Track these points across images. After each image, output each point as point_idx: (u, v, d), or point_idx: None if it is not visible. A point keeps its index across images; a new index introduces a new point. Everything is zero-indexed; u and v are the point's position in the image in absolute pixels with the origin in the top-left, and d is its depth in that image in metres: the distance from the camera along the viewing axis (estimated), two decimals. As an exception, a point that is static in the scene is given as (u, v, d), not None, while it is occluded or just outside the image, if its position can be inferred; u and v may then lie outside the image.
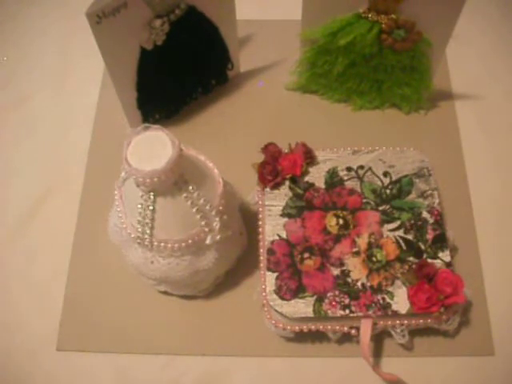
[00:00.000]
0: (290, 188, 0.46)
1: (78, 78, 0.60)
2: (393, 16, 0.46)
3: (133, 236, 0.39)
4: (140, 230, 0.39)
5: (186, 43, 0.49)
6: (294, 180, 0.46)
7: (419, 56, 0.50)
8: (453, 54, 0.59)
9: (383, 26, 0.47)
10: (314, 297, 0.42)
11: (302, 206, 0.45)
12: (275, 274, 0.42)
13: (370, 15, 0.47)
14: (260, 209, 0.46)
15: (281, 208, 0.45)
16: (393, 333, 0.42)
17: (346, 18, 0.47)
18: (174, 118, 0.56)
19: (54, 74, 0.61)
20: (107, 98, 0.57)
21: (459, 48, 0.58)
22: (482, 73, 0.59)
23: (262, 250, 0.44)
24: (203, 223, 0.39)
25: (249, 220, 0.48)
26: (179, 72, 0.52)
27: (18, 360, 0.45)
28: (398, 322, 0.41)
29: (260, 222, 0.46)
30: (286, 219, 0.45)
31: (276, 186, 0.46)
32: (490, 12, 0.63)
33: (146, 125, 0.36)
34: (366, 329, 0.41)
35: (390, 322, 0.42)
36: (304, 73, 0.55)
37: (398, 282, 0.42)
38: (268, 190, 0.46)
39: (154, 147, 0.35)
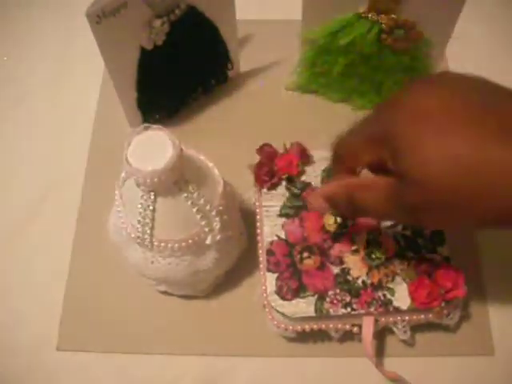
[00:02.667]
0: (287, 188, 0.46)
1: (78, 78, 0.60)
2: (393, 16, 0.46)
3: (133, 236, 0.39)
4: (140, 230, 0.39)
5: (186, 43, 0.49)
6: (290, 180, 0.46)
7: (419, 56, 0.50)
8: (453, 54, 0.59)
9: (383, 26, 0.47)
10: (315, 296, 0.42)
11: (300, 205, 0.45)
12: (275, 275, 0.42)
13: (370, 15, 0.47)
14: (257, 210, 0.46)
15: (278, 208, 0.45)
16: (395, 329, 0.43)
17: (346, 18, 0.47)
18: (174, 118, 0.56)
19: (54, 74, 0.61)
20: (107, 98, 0.57)
21: (459, 48, 0.58)
22: (482, 73, 0.58)
23: (261, 251, 0.44)
24: (203, 223, 0.39)
25: (249, 220, 0.48)
26: (179, 72, 0.52)
27: (18, 360, 0.45)
28: (399, 318, 0.42)
29: (258, 224, 0.46)
30: (284, 219, 0.45)
31: (273, 187, 0.46)
32: (490, 12, 0.63)
33: (146, 125, 0.36)
34: (367, 326, 0.41)
35: (391, 319, 0.42)
36: (304, 73, 0.55)
37: (398, 279, 0.42)
38: (265, 190, 0.46)
39: (154, 147, 0.35)
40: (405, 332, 0.43)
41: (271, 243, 0.44)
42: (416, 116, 0.30)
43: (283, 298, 0.42)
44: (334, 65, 0.52)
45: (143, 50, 0.47)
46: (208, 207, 0.39)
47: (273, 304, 0.42)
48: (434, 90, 0.30)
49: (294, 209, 0.45)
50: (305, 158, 0.47)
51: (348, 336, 0.43)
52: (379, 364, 0.43)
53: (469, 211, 0.29)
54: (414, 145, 0.29)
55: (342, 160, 0.36)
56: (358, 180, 0.36)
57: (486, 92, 0.31)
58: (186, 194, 0.37)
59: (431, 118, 0.29)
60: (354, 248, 0.43)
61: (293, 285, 0.42)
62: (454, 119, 0.28)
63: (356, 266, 0.43)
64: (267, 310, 0.43)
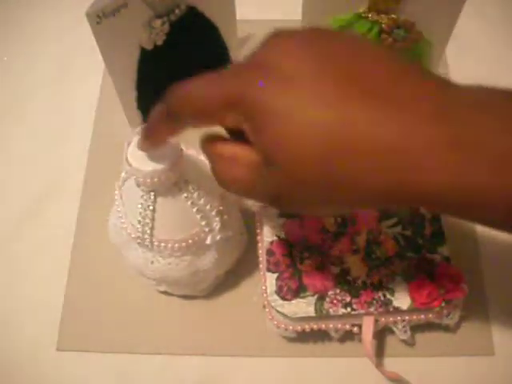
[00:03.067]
0: None
1: (77, 78, 0.60)
2: (393, 16, 0.46)
3: (133, 236, 0.39)
4: (140, 229, 0.39)
5: (186, 43, 0.49)
6: None
7: (419, 56, 0.50)
8: (453, 54, 0.59)
9: (383, 25, 0.47)
10: (315, 296, 0.42)
11: None
12: (275, 275, 0.42)
13: (369, 15, 0.47)
14: (257, 210, 0.46)
15: None
16: (395, 329, 0.43)
17: (346, 18, 0.47)
18: (173, 118, 0.56)
19: (54, 73, 0.61)
20: (107, 98, 0.57)
21: (459, 48, 0.58)
22: (482, 73, 0.59)
23: (260, 251, 0.44)
24: (203, 223, 0.39)
25: (249, 220, 0.48)
26: (179, 72, 0.52)
27: (18, 360, 0.45)
28: (399, 318, 0.42)
29: (258, 224, 0.46)
30: (284, 219, 0.45)
31: None
32: (490, 12, 0.63)
33: (147, 125, 0.36)
34: (367, 326, 0.41)
35: (391, 319, 0.42)
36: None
37: (398, 278, 0.42)
38: None
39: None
40: (405, 332, 0.43)
41: (271, 243, 0.44)
42: (281, 81, 0.24)
43: (283, 298, 0.42)
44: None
45: (143, 50, 0.47)
46: (208, 207, 0.39)
47: (273, 304, 0.42)
48: (302, 51, 0.26)
49: (294, 209, 0.45)
50: None
51: (348, 336, 0.43)
52: (379, 364, 0.43)
53: (337, 197, 0.25)
54: (276, 115, 0.24)
55: (183, 119, 0.29)
56: (217, 148, 0.30)
57: (355, 55, 0.26)
58: (186, 194, 0.37)
59: (299, 84, 0.24)
60: (354, 248, 0.43)
61: (293, 285, 0.42)
62: (325, 88, 0.24)
63: (356, 265, 0.43)
64: (267, 310, 0.43)
